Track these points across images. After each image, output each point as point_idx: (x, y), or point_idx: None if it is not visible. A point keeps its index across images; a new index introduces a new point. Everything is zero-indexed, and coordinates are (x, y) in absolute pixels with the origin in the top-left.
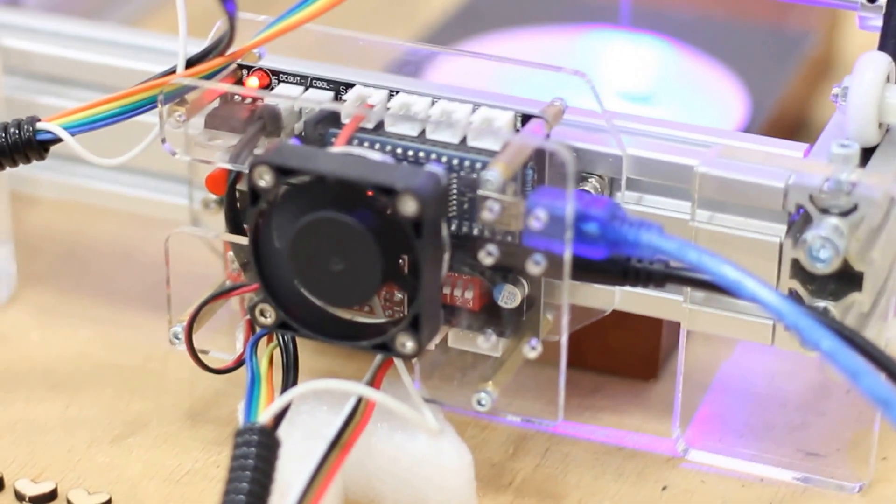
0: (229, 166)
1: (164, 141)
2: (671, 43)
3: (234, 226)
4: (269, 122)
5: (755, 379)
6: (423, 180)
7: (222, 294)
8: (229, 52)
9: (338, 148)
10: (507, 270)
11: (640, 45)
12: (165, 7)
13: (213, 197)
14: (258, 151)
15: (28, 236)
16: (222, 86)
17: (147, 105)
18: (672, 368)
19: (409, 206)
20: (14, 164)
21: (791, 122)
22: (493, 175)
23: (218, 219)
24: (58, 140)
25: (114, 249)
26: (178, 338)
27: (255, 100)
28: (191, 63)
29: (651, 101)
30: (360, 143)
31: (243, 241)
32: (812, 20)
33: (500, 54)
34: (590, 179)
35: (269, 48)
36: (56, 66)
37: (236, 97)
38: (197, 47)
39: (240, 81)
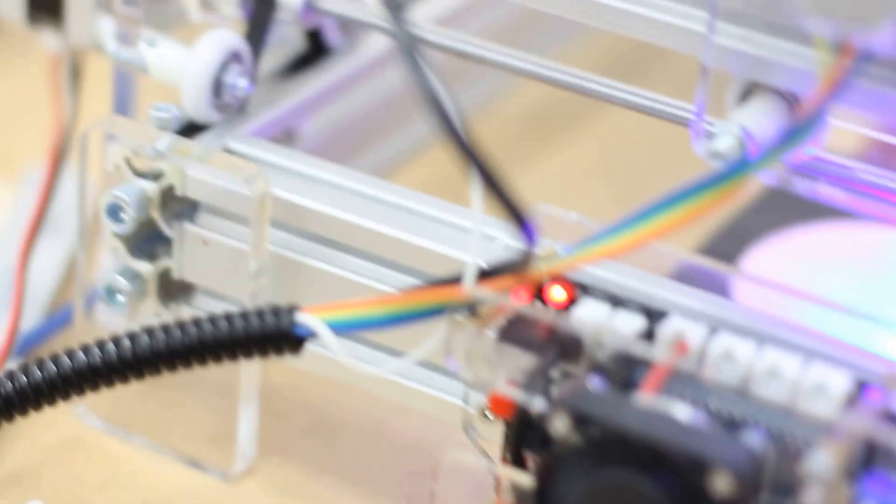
0: (523, 399)
1: (449, 356)
2: None
3: (515, 455)
4: (570, 348)
5: None
6: (743, 455)
7: None
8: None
9: (645, 398)
10: None
11: None
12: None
13: None
14: (551, 376)
15: (272, 398)
16: (524, 307)
17: (428, 314)
18: None
19: (724, 484)
20: (264, 355)
21: None
22: (824, 462)
23: (494, 429)
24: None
25: (366, 426)
26: None
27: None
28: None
29: None
30: (669, 391)
31: (525, 480)
32: None
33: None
34: None
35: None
36: (329, 226)
37: None
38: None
39: (539, 287)
